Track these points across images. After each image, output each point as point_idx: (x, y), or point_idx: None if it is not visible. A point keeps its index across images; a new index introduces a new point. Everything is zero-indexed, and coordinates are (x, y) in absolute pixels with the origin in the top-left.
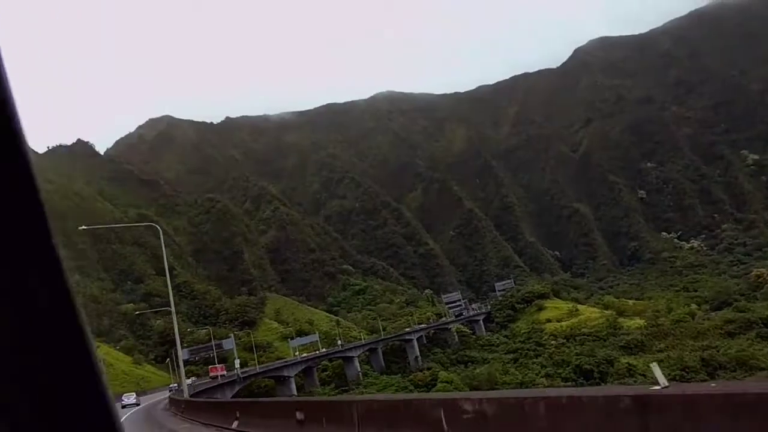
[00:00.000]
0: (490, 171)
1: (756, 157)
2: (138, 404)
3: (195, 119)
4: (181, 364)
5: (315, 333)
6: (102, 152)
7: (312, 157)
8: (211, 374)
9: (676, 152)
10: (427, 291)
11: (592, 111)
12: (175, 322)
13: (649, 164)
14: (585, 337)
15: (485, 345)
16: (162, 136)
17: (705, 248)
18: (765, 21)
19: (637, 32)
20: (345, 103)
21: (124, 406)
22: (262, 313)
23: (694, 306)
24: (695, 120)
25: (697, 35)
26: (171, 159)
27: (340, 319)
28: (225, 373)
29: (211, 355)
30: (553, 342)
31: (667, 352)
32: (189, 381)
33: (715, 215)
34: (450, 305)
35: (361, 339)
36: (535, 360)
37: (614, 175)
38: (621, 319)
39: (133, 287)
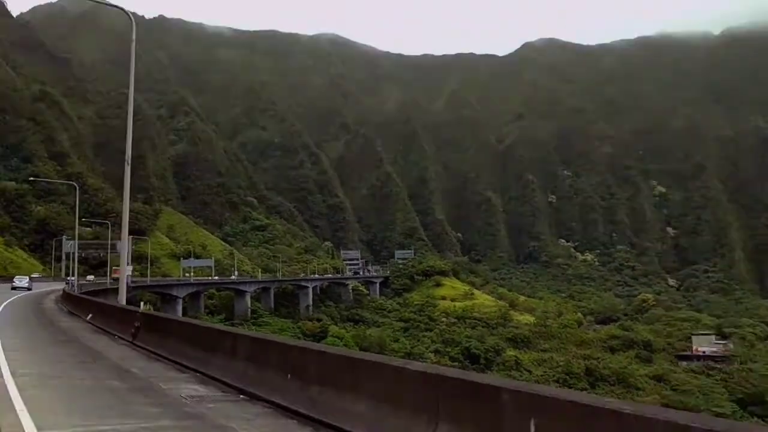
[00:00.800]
0: (415, 141)
1: (663, 190)
2: (30, 289)
3: (127, 7)
4: (76, 258)
5: (210, 258)
6: (14, 15)
7: (241, 79)
8: (114, 276)
9: (593, 167)
10: (327, 243)
11: (525, 107)
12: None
13: (565, 172)
14: (476, 321)
15: (378, 308)
16: (86, 17)
17: (597, 263)
18: (699, 63)
19: (585, 43)
20: (287, 34)
21: (14, 288)
22: (155, 225)
23: (580, 315)
24: (617, 140)
25: (638, 60)
26: (90, 43)
27: (235, 250)
28: (132, 277)
29: (102, 255)
30: (444, 320)
31: (551, 354)
32: (90, 277)
33: (614, 234)
34: (348, 262)
35: (255, 275)
36: (425, 334)
37: (531, 174)
38: (512, 312)
39: (19, 165)
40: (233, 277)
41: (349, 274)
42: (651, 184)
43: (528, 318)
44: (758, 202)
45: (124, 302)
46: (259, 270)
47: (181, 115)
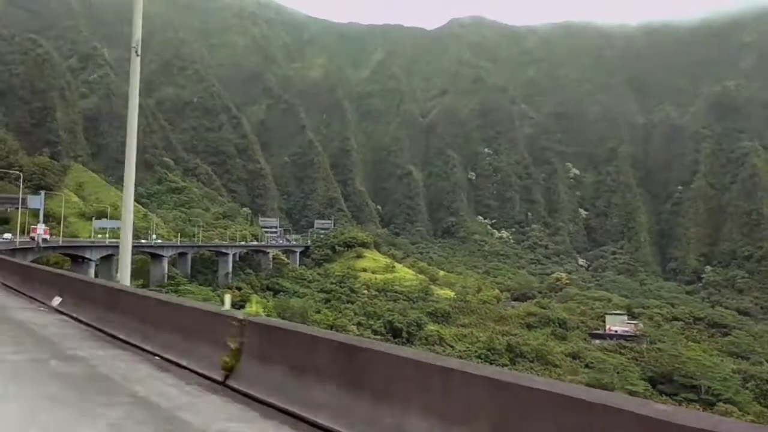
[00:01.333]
0: (339, 110)
1: (577, 172)
2: None
3: None
4: None
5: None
6: None
7: (157, 34)
8: (32, 234)
9: (513, 146)
10: (245, 209)
11: (450, 83)
12: None
13: (486, 150)
14: (397, 294)
15: (299, 278)
16: None
17: (512, 241)
18: (617, 52)
19: (511, 23)
20: None
21: None
22: (63, 182)
23: (498, 291)
24: (537, 122)
25: (559, 44)
26: None
27: (149, 212)
28: (48, 236)
29: (8, 209)
30: (365, 292)
31: (471, 329)
32: (8, 236)
33: (529, 213)
34: (266, 230)
35: (170, 239)
36: (347, 306)
37: (453, 150)
38: (433, 287)
39: None
40: (153, 240)
41: (268, 242)
42: (566, 166)
43: (448, 293)
44: (664, 188)
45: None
46: (177, 234)
47: (93, 66)
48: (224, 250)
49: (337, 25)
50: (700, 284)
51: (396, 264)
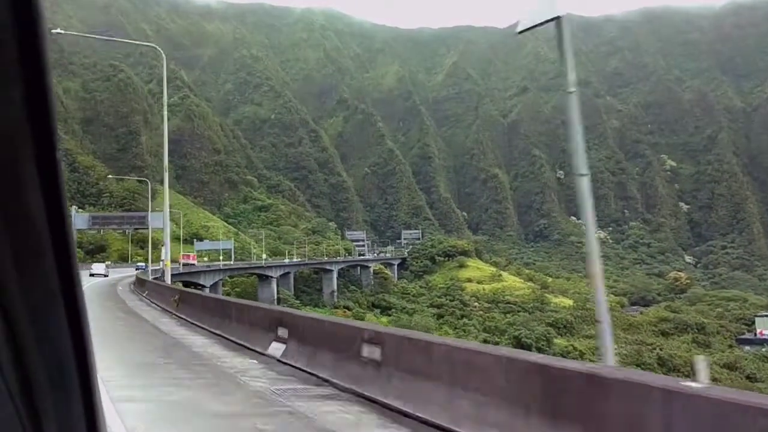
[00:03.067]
0: (416, 116)
1: (673, 164)
2: (106, 275)
3: None
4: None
5: (226, 240)
6: None
7: (232, 54)
8: (183, 261)
9: (602, 141)
10: (331, 223)
11: (529, 80)
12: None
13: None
14: (510, 305)
15: (402, 293)
16: None
17: (611, 240)
18: (704, 34)
19: (586, 15)
20: (279, 7)
21: (92, 275)
22: (153, 206)
23: (620, 297)
24: (625, 114)
25: (641, 31)
26: (71, 13)
27: (240, 232)
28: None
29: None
30: (476, 304)
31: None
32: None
33: (626, 211)
34: (354, 243)
35: (265, 258)
36: (463, 321)
37: (538, 149)
38: (547, 295)
39: None
40: (262, 260)
41: (358, 256)
42: (661, 158)
43: (565, 301)
44: None
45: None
46: (266, 252)
47: (173, 89)
48: (328, 267)
49: (407, 32)
50: None
51: (502, 272)
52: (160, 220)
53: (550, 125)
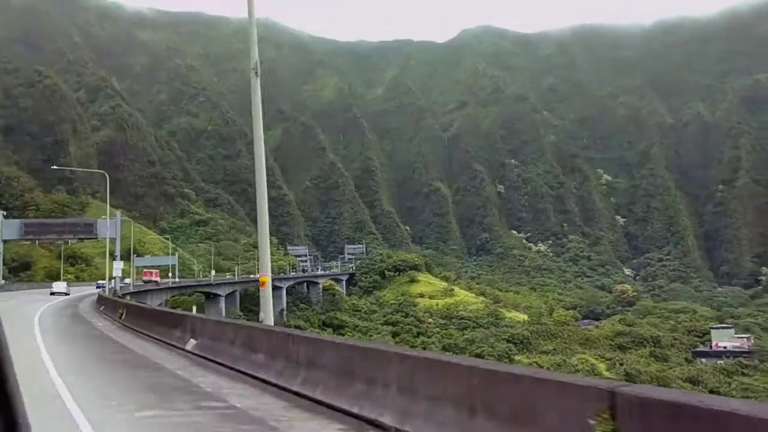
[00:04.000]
0: (357, 129)
1: (609, 178)
2: (68, 294)
3: None
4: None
5: (170, 256)
6: None
7: (166, 63)
8: (144, 278)
9: (540, 156)
10: (272, 238)
11: (468, 95)
12: None
13: (513, 161)
14: (465, 321)
15: (353, 309)
16: None
17: (551, 254)
18: (635, 51)
19: (523, 31)
20: (214, 17)
21: (52, 293)
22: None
23: (572, 311)
24: (561, 129)
25: (576, 48)
26: None
27: (178, 247)
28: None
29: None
30: (431, 320)
31: (560, 356)
32: (128, 280)
33: (565, 224)
34: (297, 259)
35: (208, 276)
36: (421, 339)
37: (478, 163)
38: (501, 310)
39: None
40: (210, 277)
41: (302, 272)
42: (597, 172)
43: (519, 316)
44: (703, 189)
45: None
46: (205, 268)
47: (103, 98)
48: (278, 284)
49: (346, 44)
50: (760, 287)
51: (453, 287)
52: (113, 229)
53: (489, 139)
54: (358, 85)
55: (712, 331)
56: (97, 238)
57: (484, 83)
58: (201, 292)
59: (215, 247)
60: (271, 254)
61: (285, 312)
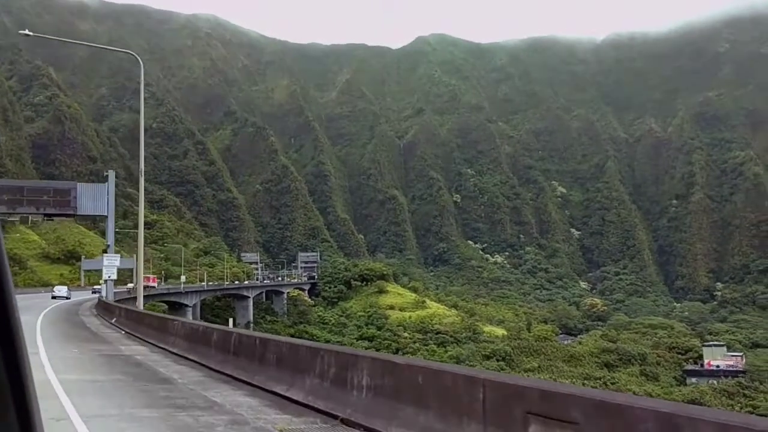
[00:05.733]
0: (309, 132)
1: (564, 190)
2: (68, 298)
3: None
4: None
5: (127, 258)
6: None
7: (107, 56)
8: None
9: (496, 166)
10: (222, 244)
11: (424, 102)
12: None
13: (469, 170)
14: (441, 335)
15: (321, 322)
16: None
17: (508, 265)
18: (588, 66)
19: (476, 41)
20: (161, 11)
21: (54, 297)
22: (14, 217)
23: (541, 325)
24: (517, 140)
25: (530, 60)
26: None
27: (122, 251)
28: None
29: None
30: (406, 335)
31: (548, 374)
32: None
33: (521, 236)
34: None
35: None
36: (398, 354)
37: (435, 172)
38: (478, 324)
39: None
40: (180, 285)
41: (256, 279)
42: (552, 184)
43: (497, 330)
44: (655, 204)
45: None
46: (154, 274)
47: (39, 87)
48: (245, 293)
49: (297, 46)
50: (715, 302)
51: (425, 299)
52: (101, 201)
53: (446, 148)
54: (310, 87)
55: (704, 349)
56: (74, 215)
57: (440, 91)
58: (168, 301)
59: (162, 251)
60: (225, 261)
61: (252, 325)
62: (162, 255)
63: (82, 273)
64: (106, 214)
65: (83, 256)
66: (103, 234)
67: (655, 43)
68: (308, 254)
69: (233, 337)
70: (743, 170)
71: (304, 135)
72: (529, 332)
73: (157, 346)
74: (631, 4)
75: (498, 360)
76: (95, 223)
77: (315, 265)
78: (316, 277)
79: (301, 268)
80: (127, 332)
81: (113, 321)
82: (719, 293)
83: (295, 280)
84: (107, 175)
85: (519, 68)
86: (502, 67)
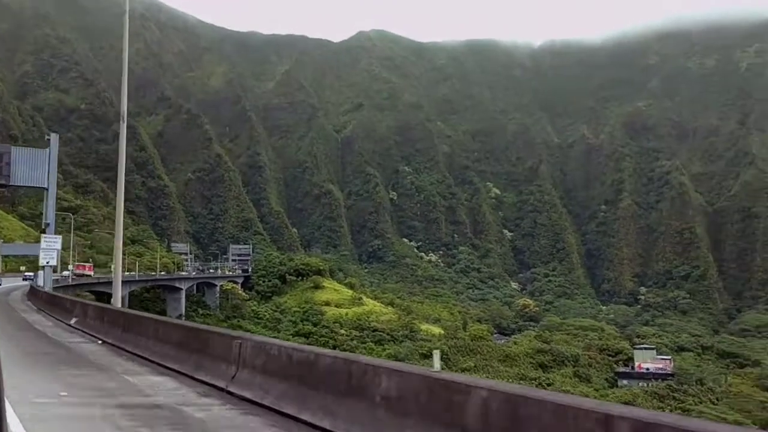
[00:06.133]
0: (245, 122)
1: (498, 192)
2: None
3: None
4: None
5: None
6: None
7: (33, 31)
8: (77, 271)
9: (433, 165)
10: (151, 233)
11: (364, 98)
12: None
13: (407, 168)
14: (378, 333)
15: (255, 317)
16: None
17: (442, 264)
18: (525, 70)
19: (418, 39)
20: None
21: None
22: None
23: (477, 324)
24: (455, 140)
25: (468, 62)
26: None
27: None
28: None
29: None
30: (343, 332)
31: (485, 374)
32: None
33: (456, 235)
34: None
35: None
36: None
37: (372, 168)
38: (415, 322)
39: None
40: (112, 275)
41: (187, 271)
42: (487, 186)
43: (434, 329)
44: (585, 208)
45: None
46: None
47: None
48: (177, 285)
49: (236, 33)
50: (639, 306)
51: (362, 296)
52: (40, 170)
53: (384, 144)
54: (247, 76)
55: (635, 351)
56: (6, 186)
57: (379, 87)
58: (92, 291)
59: (86, 238)
60: (154, 251)
61: (183, 318)
62: (87, 242)
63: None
64: (45, 186)
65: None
66: (23, 218)
67: (589, 51)
68: (240, 247)
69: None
70: (669, 179)
71: (239, 124)
72: (465, 331)
73: (192, 378)
74: (567, 13)
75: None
76: (13, 206)
77: (248, 258)
78: (249, 270)
79: (233, 260)
80: (110, 344)
81: (73, 322)
82: (643, 297)
83: (229, 273)
84: (49, 139)
85: (458, 69)
86: (442, 68)
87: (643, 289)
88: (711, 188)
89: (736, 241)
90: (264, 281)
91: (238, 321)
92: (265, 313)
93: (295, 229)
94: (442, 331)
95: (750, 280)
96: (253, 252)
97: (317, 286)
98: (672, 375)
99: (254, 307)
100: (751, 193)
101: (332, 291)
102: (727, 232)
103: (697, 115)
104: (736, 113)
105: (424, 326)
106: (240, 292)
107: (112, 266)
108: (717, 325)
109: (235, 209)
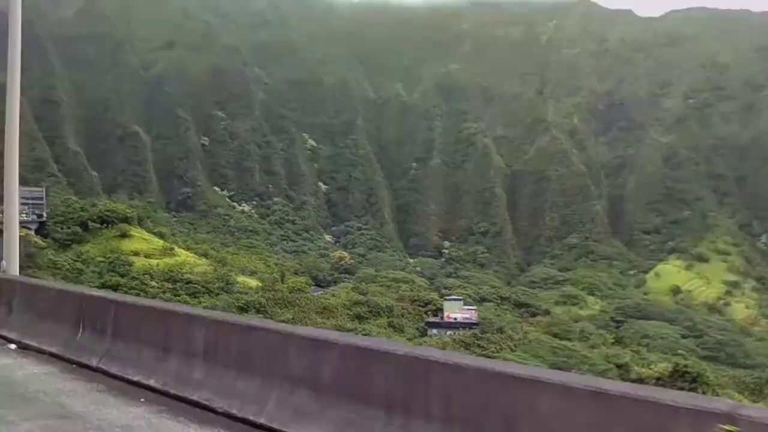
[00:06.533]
0: (38, 50)
1: (314, 143)
2: None
3: None
4: None
5: None
6: None
7: None
8: None
9: (249, 112)
10: None
11: (177, 36)
12: None
13: (220, 113)
14: (193, 285)
15: (54, 267)
16: None
17: (256, 215)
18: (345, 22)
19: None
20: None
21: None
22: None
23: (295, 276)
24: (271, 88)
25: (288, 7)
26: None
27: None
28: None
29: None
30: (154, 284)
31: (303, 325)
32: None
33: (270, 186)
34: None
35: None
36: None
37: (183, 110)
38: (232, 274)
39: None
40: None
41: None
42: (303, 136)
43: (251, 281)
44: (398, 165)
45: None
46: None
47: None
48: None
49: None
50: (443, 259)
51: (174, 246)
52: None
53: (197, 87)
54: (41, 1)
55: (444, 303)
56: None
57: (193, 26)
58: None
59: None
60: None
61: None
62: None
63: None
64: None
65: None
66: None
67: (408, 10)
68: (31, 189)
69: None
70: (475, 140)
71: (32, 53)
72: (283, 283)
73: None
74: None
75: (257, 311)
76: None
77: (42, 202)
78: (45, 216)
79: (22, 204)
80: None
81: None
82: (447, 251)
83: (24, 218)
84: None
85: (278, 15)
86: (261, 12)
87: (447, 243)
88: (511, 151)
89: (529, 201)
90: (62, 228)
91: (34, 271)
92: (65, 264)
93: (95, 173)
94: (260, 284)
95: (539, 237)
96: (46, 196)
97: (124, 235)
98: (477, 324)
99: (52, 257)
100: (545, 157)
101: (141, 240)
102: (522, 192)
103: (502, 81)
104: (536, 82)
105: (240, 278)
106: (35, 239)
107: None
108: (510, 277)
109: (26, 147)
